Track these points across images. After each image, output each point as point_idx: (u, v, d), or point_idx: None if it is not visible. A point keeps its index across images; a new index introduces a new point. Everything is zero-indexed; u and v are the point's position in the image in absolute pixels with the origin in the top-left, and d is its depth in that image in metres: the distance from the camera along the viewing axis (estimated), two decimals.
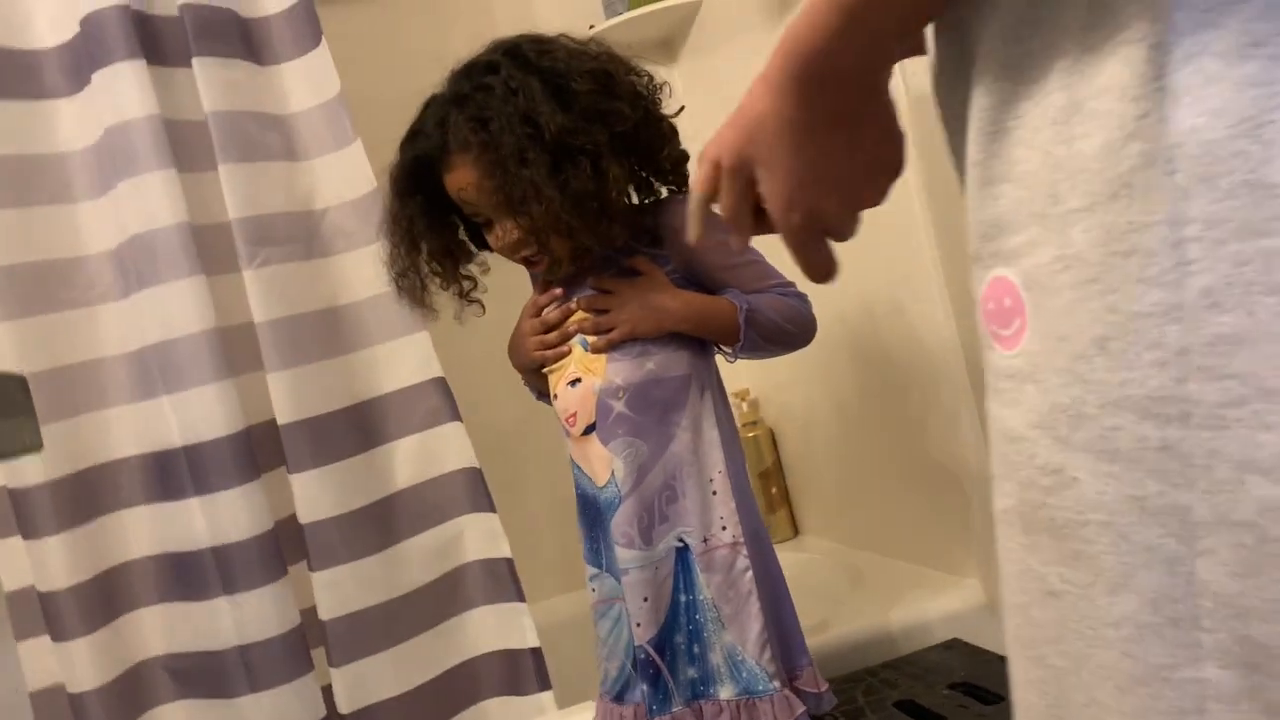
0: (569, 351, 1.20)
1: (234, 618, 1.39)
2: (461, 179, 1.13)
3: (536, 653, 1.50)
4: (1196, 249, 0.41)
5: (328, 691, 1.45)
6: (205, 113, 1.42)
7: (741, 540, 1.15)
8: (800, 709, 1.13)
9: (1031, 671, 0.51)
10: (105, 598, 1.40)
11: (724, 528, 1.15)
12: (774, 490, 2.10)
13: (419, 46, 1.96)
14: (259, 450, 1.43)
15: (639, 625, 1.14)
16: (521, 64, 1.11)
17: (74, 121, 1.42)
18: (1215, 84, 0.40)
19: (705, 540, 1.14)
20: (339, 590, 1.44)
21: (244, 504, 1.39)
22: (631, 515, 1.14)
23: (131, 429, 1.41)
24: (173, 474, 1.40)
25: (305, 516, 1.43)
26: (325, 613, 1.43)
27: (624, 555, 1.14)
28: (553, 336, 1.21)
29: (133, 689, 1.40)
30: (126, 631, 1.41)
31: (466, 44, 1.17)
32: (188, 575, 1.40)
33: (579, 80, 1.10)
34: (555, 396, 1.22)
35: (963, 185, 0.54)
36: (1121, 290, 0.43)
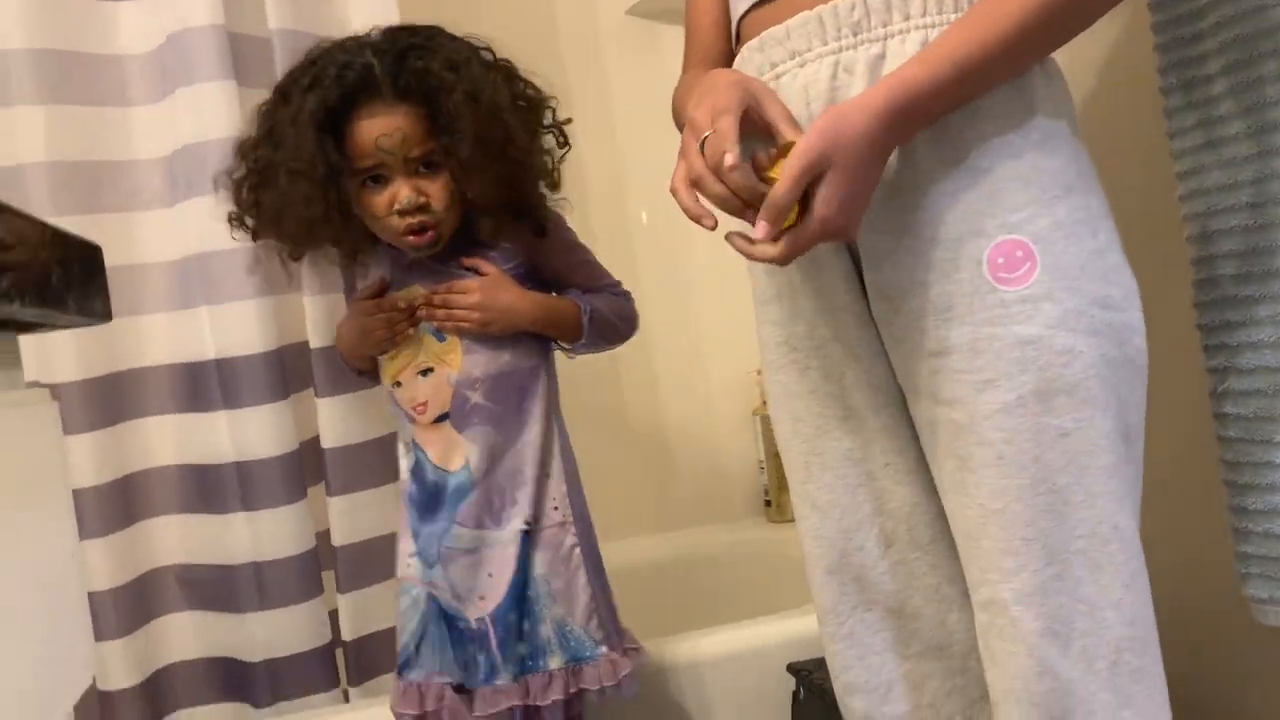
0: (415, 336, 1.23)
1: (251, 534, 1.40)
2: (386, 126, 1.13)
3: None
4: (1101, 223, 0.87)
5: (334, 616, 1.46)
6: (270, 30, 1.41)
7: (570, 520, 1.25)
8: (625, 669, 1.24)
9: (1042, 500, 0.83)
10: (125, 502, 1.41)
11: (555, 508, 1.24)
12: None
13: None
14: (289, 371, 1.43)
15: (482, 599, 1.22)
16: (459, 42, 1.18)
17: (136, 23, 1.41)
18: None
19: (539, 520, 1.23)
20: (354, 518, 1.44)
21: (271, 422, 1.39)
22: (484, 499, 1.22)
23: (166, 337, 1.41)
24: (203, 386, 1.40)
25: (328, 441, 1.43)
26: (339, 538, 1.44)
27: (469, 536, 1.21)
28: (401, 323, 1.23)
29: (144, 594, 1.42)
30: (142, 538, 1.42)
31: None
32: (209, 488, 1.41)
33: (514, 73, 1.20)
34: (398, 384, 1.25)
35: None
36: (1083, 240, 0.85)
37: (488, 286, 1.22)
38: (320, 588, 1.43)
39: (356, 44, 1.18)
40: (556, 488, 1.25)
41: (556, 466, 1.26)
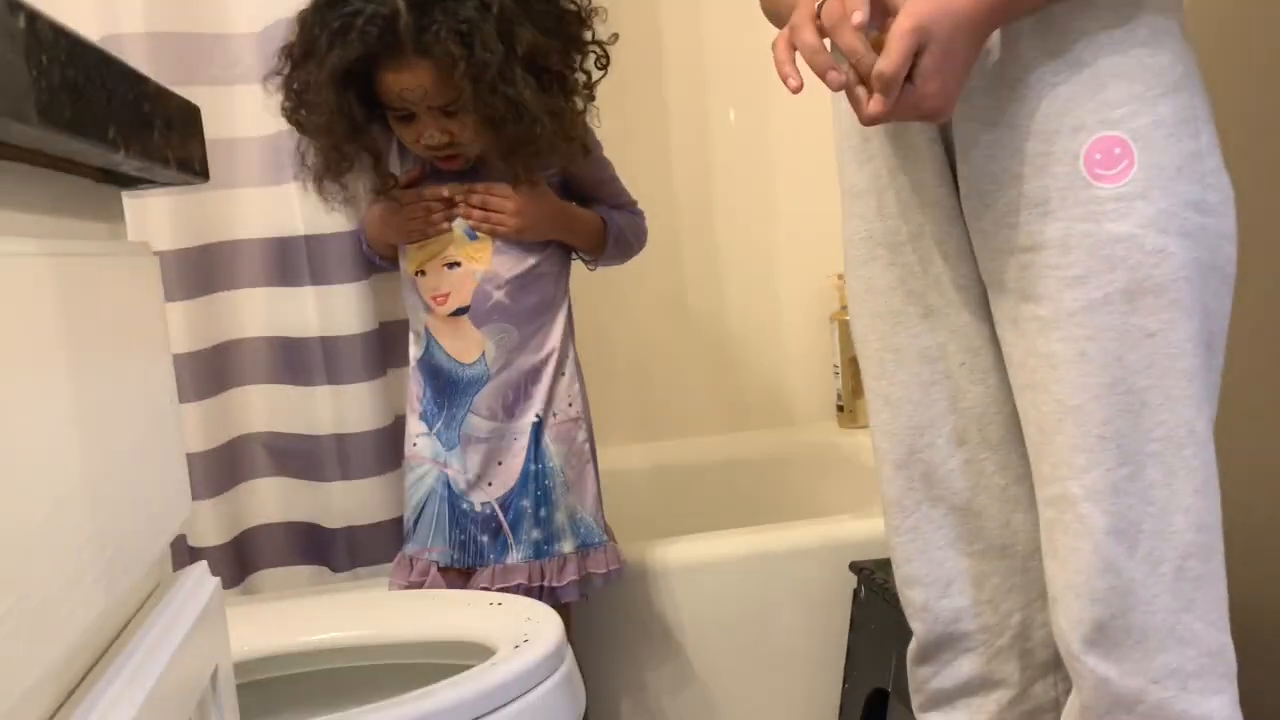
0: (449, 230, 1.28)
1: (334, 407, 1.45)
2: (409, 81, 1.19)
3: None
4: (1203, 125, 0.86)
5: None
6: None
7: (582, 416, 1.34)
8: (622, 558, 1.35)
9: (1120, 399, 0.83)
10: (217, 370, 1.46)
11: (570, 404, 1.33)
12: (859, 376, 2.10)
13: None
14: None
15: (490, 484, 1.29)
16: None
17: None
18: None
19: (556, 415, 1.31)
20: None
21: (356, 299, 1.42)
22: (498, 392, 1.28)
23: (257, 211, 1.44)
24: (292, 261, 1.43)
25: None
26: None
27: (484, 426, 1.28)
28: (439, 214, 1.28)
29: (233, 459, 1.48)
30: (232, 405, 1.47)
31: None
32: (296, 360, 1.46)
33: (523, 24, 1.18)
34: (422, 273, 1.30)
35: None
36: (1183, 140, 0.84)
37: (526, 194, 1.28)
38: (399, 462, 1.48)
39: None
40: (570, 385, 1.33)
41: (570, 366, 1.33)
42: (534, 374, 1.30)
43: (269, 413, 1.48)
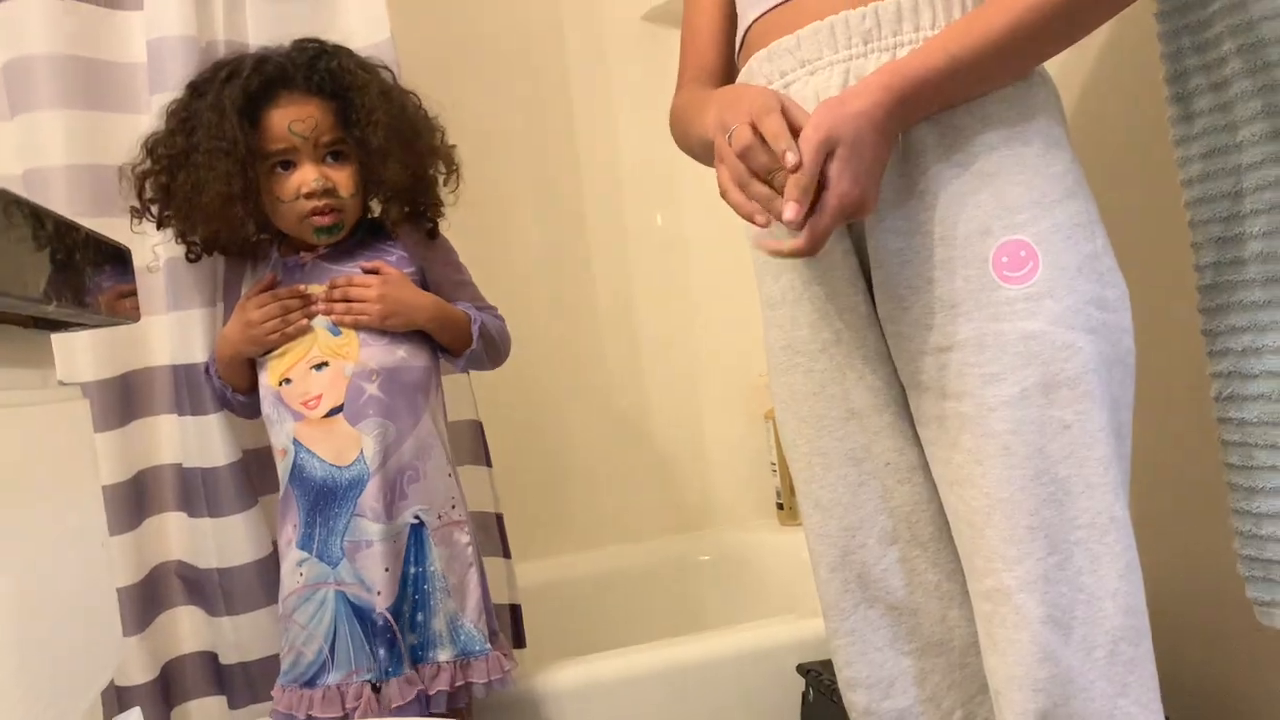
0: (310, 329, 1.28)
1: (215, 539, 1.39)
2: (299, 113, 1.23)
3: (515, 609, 1.53)
4: (1097, 227, 0.91)
5: None
6: (248, 42, 1.43)
7: (466, 519, 1.31)
8: (510, 665, 1.30)
9: (1045, 489, 0.86)
10: (136, 501, 1.40)
11: (453, 506, 1.31)
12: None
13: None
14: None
15: (379, 594, 1.24)
16: (364, 60, 1.30)
17: (140, 33, 1.42)
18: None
19: (440, 517, 1.29)
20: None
21: (218, 428, 1.38)
22: (379, 492, 1.25)
23: (166, 337, 1.41)
24: (182, 389, 1.39)
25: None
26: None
27: (372, 529, 1.24)
28: (297, 314, 1.28)
29: (154, 591, 1.41)
30: (150, 534, 1.41)
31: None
32: (189, 490, 1.39)
33: (406, 95, 1.31)
34: (288, 381, 1.28)
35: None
36: (1081, 242, 0.89)
37: (389, 282, 1.29)
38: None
39: (267, 50, 1.28)
40: (450, 484, 1.31)
41: (449, 465, 1.32)
42: (412, 470, 1.28)
43: (178, 541, 1.43)
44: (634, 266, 2.15)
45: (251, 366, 1.33)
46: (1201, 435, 1.14)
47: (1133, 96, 1.25)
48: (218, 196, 1.22)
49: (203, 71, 1.28)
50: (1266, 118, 0.96)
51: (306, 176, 1.25)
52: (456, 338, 1.34)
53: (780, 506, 2.10)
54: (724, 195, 0.89)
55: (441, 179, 1.35)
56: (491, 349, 1.39)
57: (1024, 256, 0.87)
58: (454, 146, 1.36)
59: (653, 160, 2.06)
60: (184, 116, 1.25)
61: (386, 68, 1.33)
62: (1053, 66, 0.95)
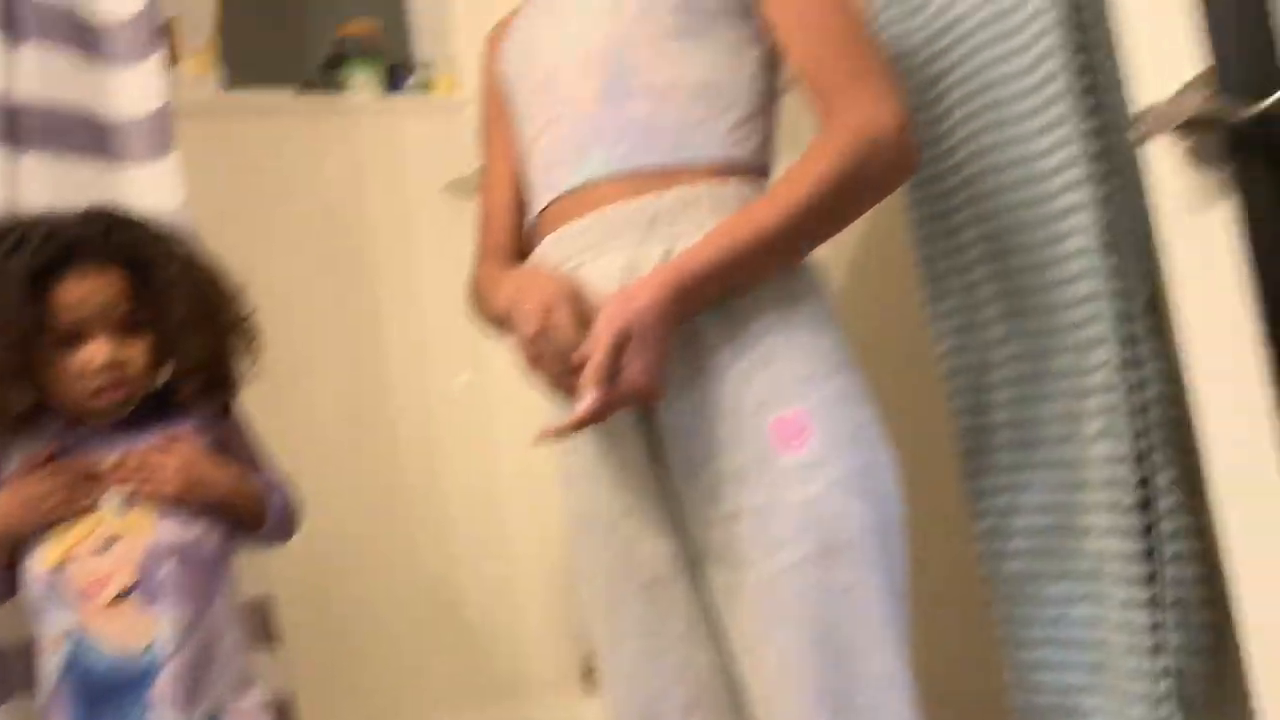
0: (95, 506, 1.18)
1: None
2: (92, 285, 1.15)
3: None
4: (865, 398, 0.98)
5: None
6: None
7: (261, 704, 1.22)
8: None
9: (830, 653, 0.89)
10: None
11: (249, 690, 1.22)
12: None
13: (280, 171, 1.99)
14: None
15: None
16: (165, 226, 1.25)
17: None
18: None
19: (237, 702, 1.20)
20: None
21: None
22: (175, 680, 1.15)
23: None
24: None
25: None
26: None
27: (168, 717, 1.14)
28: (83, 488, 1.18)
29: None
30: None
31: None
32: None
33: (215, 272, 1.26)
34: (64, 563, 1.17)
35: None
36: (851, 412, 0.96)
37: (187, 454, 1.22)
38: None
39: (60, 216, 1.20)
40: (248, 667, 1.23)
41: (244, 645, 1.25)
42: (209, 655, 1.18)
43: None
44: (440, 430, 2.13)
45: (11, 548, 1.21)
46: (969, 591, 1.21)
47: (894, 276, 1.35)
48: (12, 387, 1.13)
49: None
50: (1004, 298, 1.07)
51: (96, 353, 1.16)
52: (255, 511, 1.28)
53: (586, 675, 2.07)
54: (530, 369, 0.95)
55: (240, 353, 1.30)
56: (284, 526, 1.33)
57: (799, 428, 0.93)
58: (254, 314, 1.31)
59: (457, 322, 2.07)
60: None
61: (187, 236, 1.30)
62: (819, 250, 1.03)
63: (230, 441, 1.31)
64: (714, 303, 0.94)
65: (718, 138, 0.99)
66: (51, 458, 1.21)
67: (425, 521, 2.09)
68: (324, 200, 2.10)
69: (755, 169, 1.01)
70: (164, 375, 1.29)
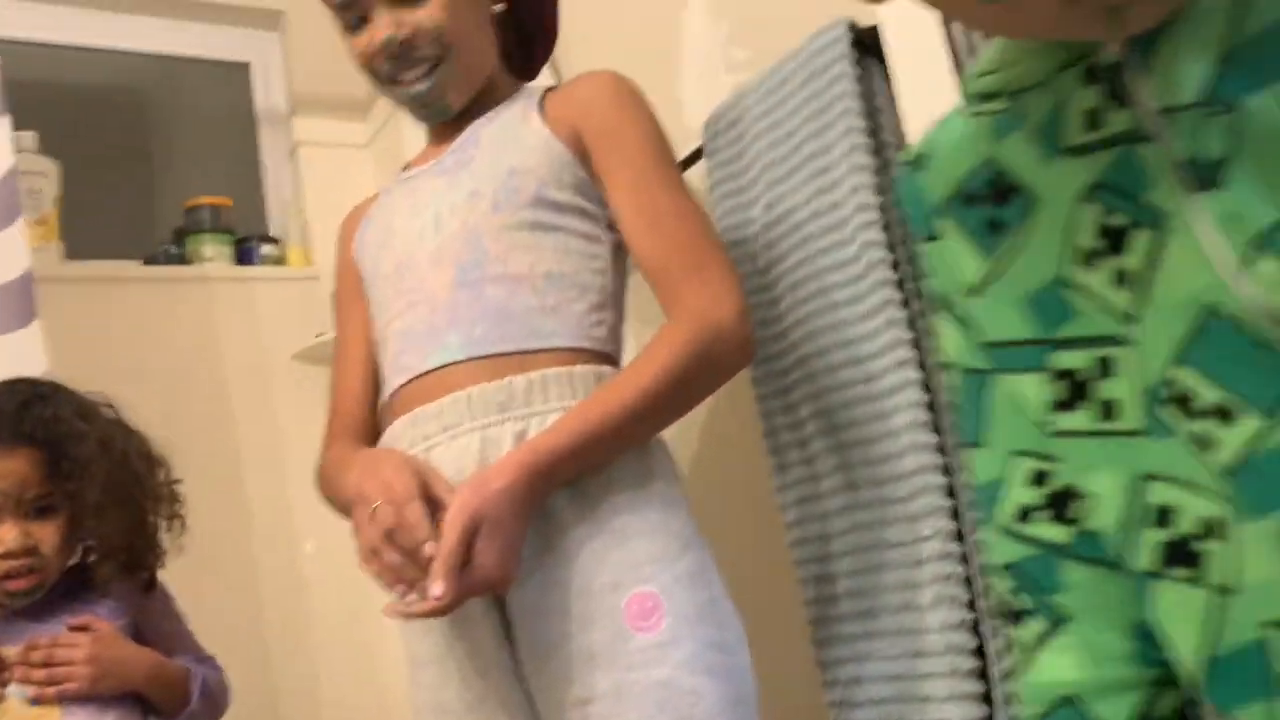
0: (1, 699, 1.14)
1: None
2: (4, 469, 1.12)
3: None
4: (713, 575, 0.99)
5: None
6: None
7: None
8: None
9: None
10: None
11: None
12: None
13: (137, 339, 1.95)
14: None
15: None
16: (82, 396, 1.21)
17: None
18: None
19: None
20: None
21: None
22: None
23: None
24: None
25: None
26: None
27: None
28: None
29: None
30: None
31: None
32: None
33: (134, 429, 1.23)
34: None
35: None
36: (700, 590, 0.95)
37: (100, 640, 1.15)
38: None
39: None
40: None
41: None
42: None
43: None
44: (309, 592, 2.07)
45: None
46: None
47: (741, 451, 1.40)
48: None
49: None
50: (841, 471, 1.12)
51: (4, 536, 1.11)
52: (175, 696, 1.21)
53: None
54: (364, 563, 0.92)
55: (164, 525, 1.23)
56: (210, 705, 1.25)
57: (651, 607, 0.93)
58: (178, 481, 1.25)
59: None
60: None
61: (110, 404, 1.23)
62: (668, 430, 1.07)
63: (153, 619, 1.24)
64: (568, 484, 0.96)
65: (570, 324, 1.02)
66: None
67: (292, 681, 2.00)
68: (176, 369, 2.06)
69: (605, 354, 1.05)
70: (78, 554, 1.21)
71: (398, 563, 0.89)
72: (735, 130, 1.27)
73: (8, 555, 1.11)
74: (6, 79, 1.63)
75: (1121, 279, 0.50)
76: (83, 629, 1.16)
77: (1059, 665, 0.55)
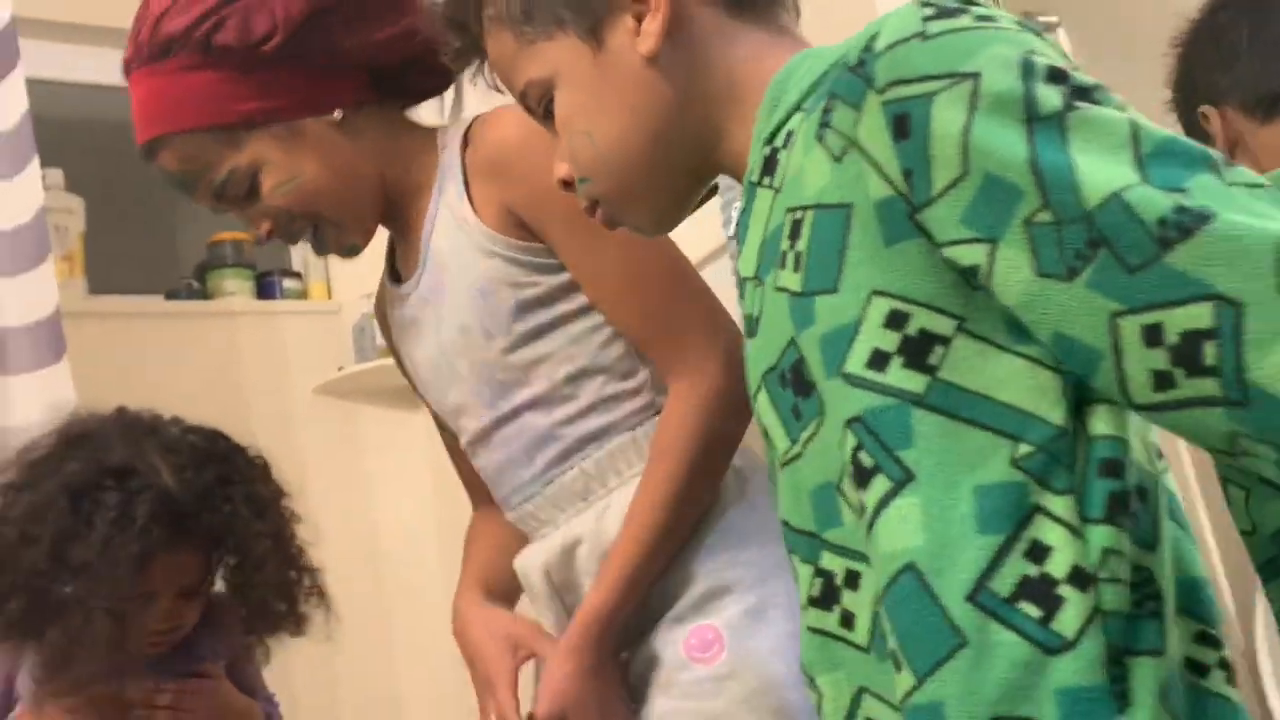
0: None
1: None
2: (180, 570, 1.08)
3: None
4: (786, 609, 0.92)
5: None
6: None
7: None
8: None
9: None
10: None
11: None
12: None
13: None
14: None
15: None
16: (255, 469, 1.17)
17: None
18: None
19: None
20: None
21: None
22: None
23: None
24: None
25: None
26: None
27: None
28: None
29: None
30: None
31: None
32: None
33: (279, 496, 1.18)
34: None
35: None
36: (767, 626, 0.93)
37: (217, 692, 1.17)
38: None
39: (152, 467, 1.07)
40: None
41: None
42: None
43: None
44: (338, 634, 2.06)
45: None
46: None
47: None
48: (100, 660, 1.02)
49: (74, 466, 1.06)
50: None
51: (157, 615, 1.08)
52: None
53: None
54: None
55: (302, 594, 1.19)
56: None
57: (710, 639, 0.94)
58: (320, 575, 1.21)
59: (349, 520, 2.00)
60: (58, 533, 1.02)
61: (279, 485, 1.18)
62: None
63: (239, 658, 1.24)
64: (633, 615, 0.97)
65: (613, 408, 1.00)
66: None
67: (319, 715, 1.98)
68: (199, 403, 2.05)
69: (650, 402, 1.01)
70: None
71: None
72: None
73: (156, 631, 1.10)
74: (32, 117, 1.64)
75: None
76: (202, 675, 1.16)
77: None
